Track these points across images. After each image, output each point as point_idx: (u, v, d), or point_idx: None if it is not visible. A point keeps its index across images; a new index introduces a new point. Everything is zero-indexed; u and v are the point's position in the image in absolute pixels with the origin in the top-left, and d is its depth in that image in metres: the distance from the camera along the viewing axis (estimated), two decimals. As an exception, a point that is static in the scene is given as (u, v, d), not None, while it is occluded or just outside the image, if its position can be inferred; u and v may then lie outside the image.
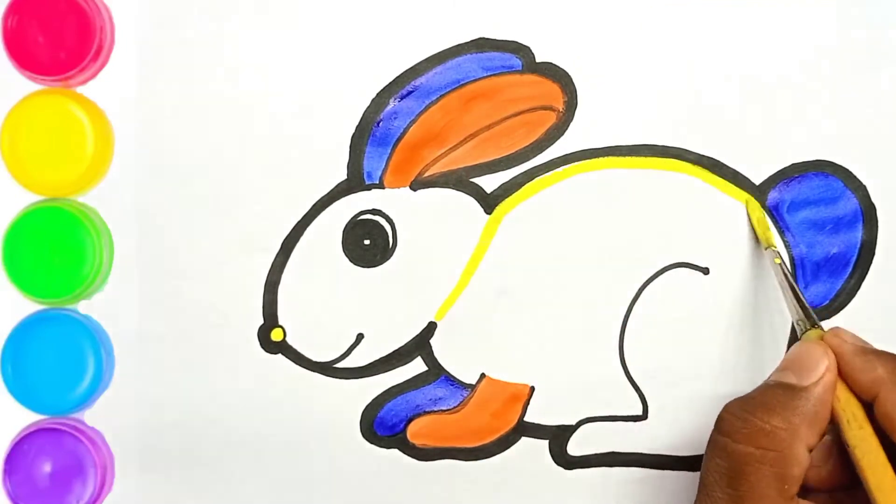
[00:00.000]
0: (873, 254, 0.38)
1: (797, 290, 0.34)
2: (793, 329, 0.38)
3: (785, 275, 0.35)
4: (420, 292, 0.38)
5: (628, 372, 0.38)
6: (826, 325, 0.38)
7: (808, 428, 0.30)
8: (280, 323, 0.38)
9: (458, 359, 0.38)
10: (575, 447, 0.38)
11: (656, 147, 0.38)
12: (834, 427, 0.31)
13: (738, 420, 0.30)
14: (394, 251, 0.38)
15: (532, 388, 0.38)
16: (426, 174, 0.38)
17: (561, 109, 0.38)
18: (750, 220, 0.38)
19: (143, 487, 0.39)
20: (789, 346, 0.38)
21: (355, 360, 0.38)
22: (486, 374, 0.38)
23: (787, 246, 0.38)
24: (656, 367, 0.38)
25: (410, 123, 0.38)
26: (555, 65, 0.38)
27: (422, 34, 0.38)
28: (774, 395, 0.31)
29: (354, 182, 0.38)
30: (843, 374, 0.31)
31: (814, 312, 0.34)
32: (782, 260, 0.36)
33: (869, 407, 0.30)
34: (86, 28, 0.37)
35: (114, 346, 0.38)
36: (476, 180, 0.38)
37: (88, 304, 0.38)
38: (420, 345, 0.38)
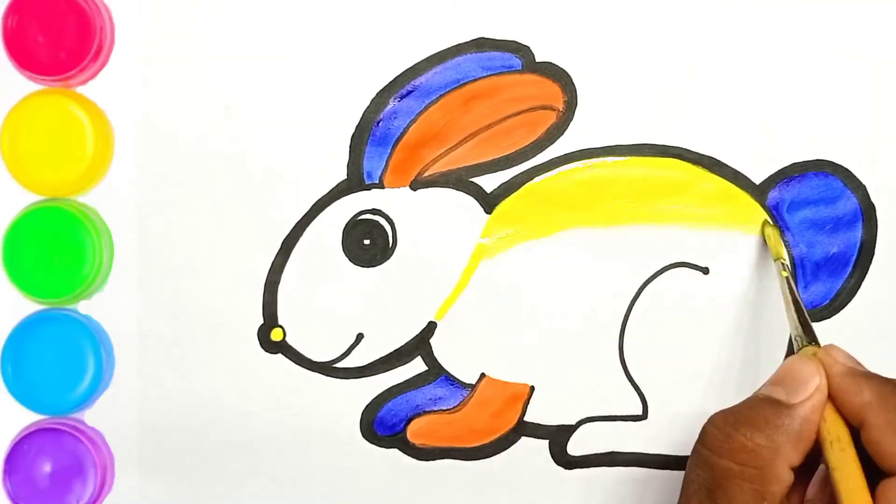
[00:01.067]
0: (873, 253, 0.38)
1: (801, 304, 0.34)
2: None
3: (791, 289, 0.34)
4: (420, 292, 0.38)
5: (628, 372, 0.38)
6: (825, 324, 0.38)
7: (791, 447, 0.29)
8: (280, 323, 0.38)
9: (458, 359, 0.38)
10: (575, 447, 0.38)
11: (656, 147, 0.38)
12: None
13: (721, 434, 0.30)
14: (394, 251, 0.38)
15: (532, 388, 0.38)
16: (426, 174, 0.38)
17: (561, 109, 0.38)
18: (763, 234, 0.37)
19: (143, 487, 0.39)
20: (788, 347, 0.38)
21: (355, 360, 0.38)
22: (486, 373, 0.38)
23: (787, 245, 0.38)
24: (656, 367, 0.38)
25: (410, 123, 0.38)
26: (555, 65, 0.38)
27: (422, 34, 0.38)
28: (761, 410, 0.30)
29: (354, 182, 0.38)
30: (831, 394, 0.30)
31: (814, 330, 0.33)
32: (790, 273, 0.36)
33: (856, 431, 0.30)
34: (86, 28, 0.37)
35: (114, 346, 0.38)
36: (476, 180, 0.38)
37: (88, 304, 0.38)
38: (420, 345, 0.38)
